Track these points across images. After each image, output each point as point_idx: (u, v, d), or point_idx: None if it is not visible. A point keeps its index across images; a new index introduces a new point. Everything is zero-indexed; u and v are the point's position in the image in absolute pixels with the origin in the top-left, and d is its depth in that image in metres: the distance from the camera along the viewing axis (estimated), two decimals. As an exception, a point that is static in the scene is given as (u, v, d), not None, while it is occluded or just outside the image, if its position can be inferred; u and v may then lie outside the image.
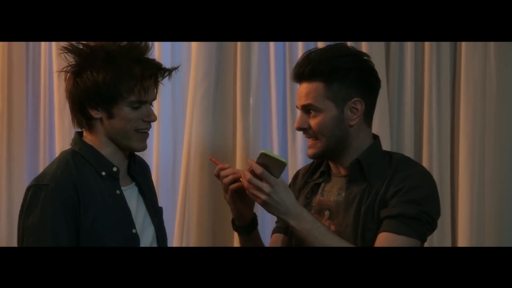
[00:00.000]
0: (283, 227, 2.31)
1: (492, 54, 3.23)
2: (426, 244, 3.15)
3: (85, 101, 2.18)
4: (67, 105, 3.47)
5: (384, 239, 2.10)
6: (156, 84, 2.21)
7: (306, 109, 2.21)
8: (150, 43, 2.24)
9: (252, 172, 2.06)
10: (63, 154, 2.25)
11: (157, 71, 2.19)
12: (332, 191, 2.25)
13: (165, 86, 2.41)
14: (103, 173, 2.21)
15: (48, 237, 2.12)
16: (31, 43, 3.61)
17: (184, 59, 3.41)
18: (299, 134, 3.14)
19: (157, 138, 3.46)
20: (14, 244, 3.45)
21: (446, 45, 3.27)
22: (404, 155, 2.35)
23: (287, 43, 3.36)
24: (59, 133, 3.51)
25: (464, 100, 3.25)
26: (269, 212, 2.11)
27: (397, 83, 3.33)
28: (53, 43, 3.49)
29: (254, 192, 2.07)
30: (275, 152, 3.35)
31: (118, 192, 2.22)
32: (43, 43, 3.56)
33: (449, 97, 3.29)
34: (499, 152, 3.24)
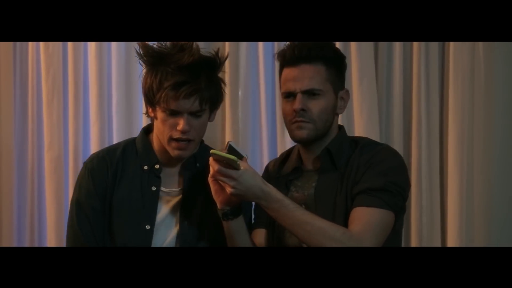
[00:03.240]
0: (262, 222, 2.34)
1: (480, 47, 3.23)
2: (418, 238, 3.24)
3: (144, 98, 2.29)
4: (55, 98, 3.52)
5: (356, 214, 2.14)
6: (201, 97, 2.20)
7: (308, 92, 2.24)
8: (198, 51, 2.24)
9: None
10: (127, 139, 2.40)
11: (177, 84, 2.18)
12: (306, 186, 2.29)
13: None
14: (145, 167, 2.30)
15: (82, 213, 2.27)
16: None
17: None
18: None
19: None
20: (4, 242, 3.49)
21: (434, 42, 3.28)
22: (370, 138, 2.39)
23: (276, 35, 3.35)
24: (47, 126, 3.48)
25: (452, 93, 3.25)
26: (242, 199, 2.16)
27: (386, 78, 3.33)
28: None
29: (222, 182, 2.12)
30: (264, 144, 3.38)
31: (153, 188, 2.29)
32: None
33: (437, 90, 3.29)
34: (488, 145, 3.26)
